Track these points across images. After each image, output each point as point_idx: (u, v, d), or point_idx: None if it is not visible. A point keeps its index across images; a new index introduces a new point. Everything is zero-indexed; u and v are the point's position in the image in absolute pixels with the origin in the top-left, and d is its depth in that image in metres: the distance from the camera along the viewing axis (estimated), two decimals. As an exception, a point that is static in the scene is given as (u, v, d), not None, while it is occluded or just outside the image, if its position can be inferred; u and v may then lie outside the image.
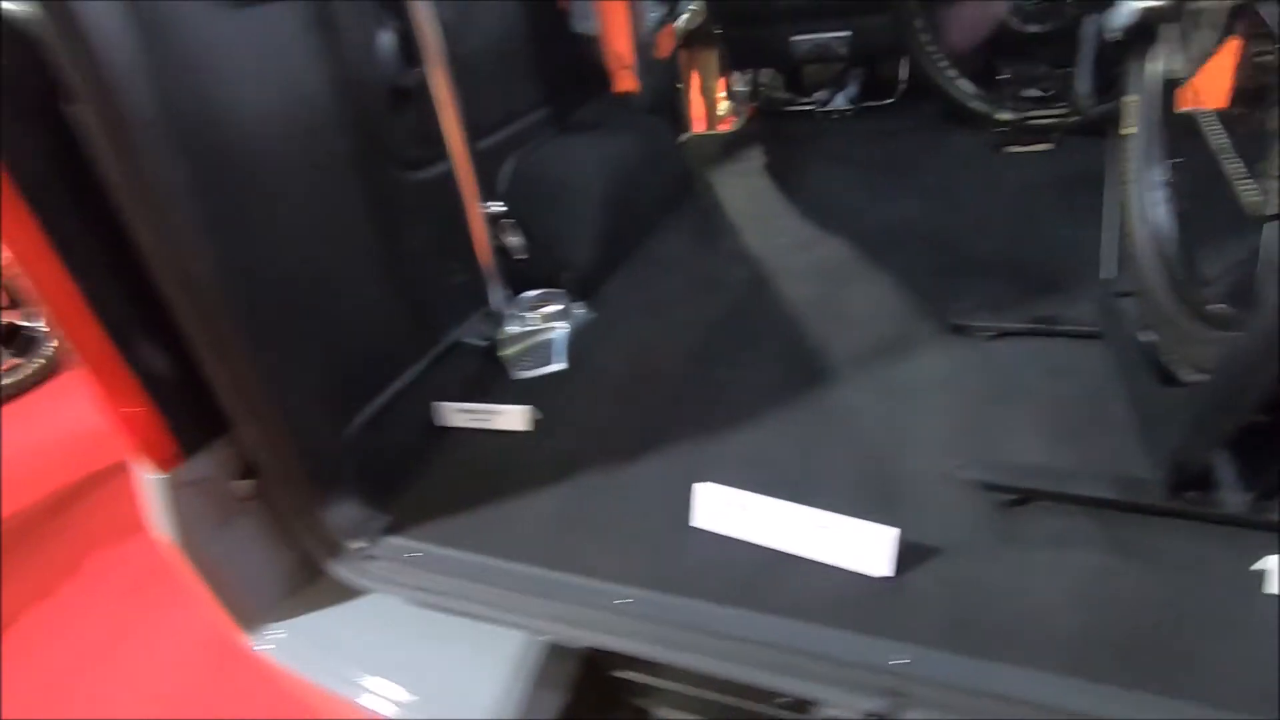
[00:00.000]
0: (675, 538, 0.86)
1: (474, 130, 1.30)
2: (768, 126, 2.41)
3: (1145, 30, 0.96)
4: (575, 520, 0.93)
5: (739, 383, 1.12)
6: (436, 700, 0.82)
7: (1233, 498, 0.75)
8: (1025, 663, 0.67)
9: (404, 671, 0.86)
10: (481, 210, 1.19)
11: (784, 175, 1.93)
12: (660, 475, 0.97)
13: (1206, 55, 0.75)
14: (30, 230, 0.68)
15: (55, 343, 2.79)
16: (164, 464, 0.82)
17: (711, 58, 2.43)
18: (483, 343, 1.32)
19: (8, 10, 0.64)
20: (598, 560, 0.86)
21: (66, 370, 2.83)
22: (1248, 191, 0.77)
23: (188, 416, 0.83)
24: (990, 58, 2.07)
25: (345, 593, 0.98)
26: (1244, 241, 0.77)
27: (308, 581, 0.98)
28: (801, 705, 0.79)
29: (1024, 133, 1.54)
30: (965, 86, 2.00)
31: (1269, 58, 0.71)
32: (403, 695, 0.84)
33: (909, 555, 0.78)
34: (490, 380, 1.24)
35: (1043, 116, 1.91)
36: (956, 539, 0.80)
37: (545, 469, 1.01)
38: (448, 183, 1.26)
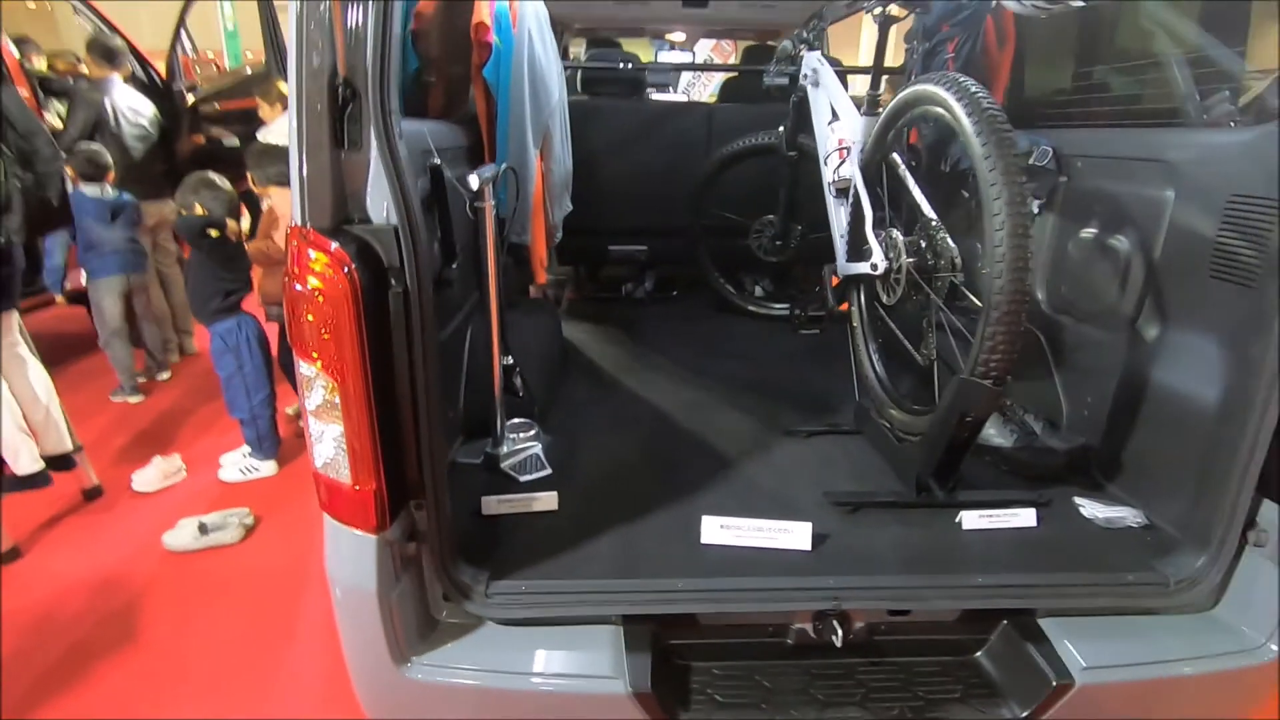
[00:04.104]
0: (694, 550, 1.43)
1: (458, 307, 1.84)
2: (588, 307, 3.22)
3: (856, 278, 1.95)
4: (622, 554, 1.43)
5: (680, 469, 1.75)
6: (579, 671, 1.25)
7: (938, 494, 1.59)
8: (883, 572, 1.39)
9: (545, 663, 1.26)
10: (501, 362, 1.71)
11: (625, 343, 2.70)
12: (663, 521, 1.53)
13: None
14: (358, 365, 1.09)
15: None
16: (376, 529, 1.17)
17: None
18: (476, 460, 1.76)
19: (380, 223, 1.11)
20: (651, 569, 1.38)
21: None
22: (917, 352, 1.71)
23: (391, 496, 1.20)
24: (742, 271, 3.21)
25: (457, 632, 1.33)
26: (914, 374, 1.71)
27: (430, 627, 1.32)
28: (781, 630, 1.39)
29: (805, 321, 2.55)
30: (729, 287, 3.08)
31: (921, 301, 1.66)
32: (556, 676, 1.24)
33: (815, 539, 1.46)
34: (498, 485, 1.68)
35: (774, 308, 3.03)
36: (833, 529, 1.51)
37: (583, 528, 1.50)
38: (449, 342, 1.75)
